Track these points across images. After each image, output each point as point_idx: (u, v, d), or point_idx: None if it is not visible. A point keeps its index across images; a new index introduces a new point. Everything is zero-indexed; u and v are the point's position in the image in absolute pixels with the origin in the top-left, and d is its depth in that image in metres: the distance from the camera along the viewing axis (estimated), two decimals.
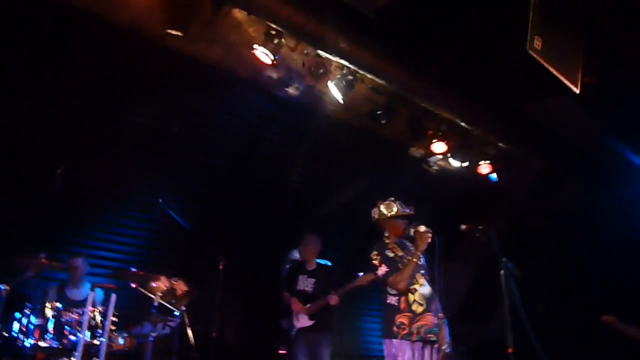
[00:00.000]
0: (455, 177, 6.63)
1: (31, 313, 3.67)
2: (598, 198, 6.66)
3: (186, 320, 4.38)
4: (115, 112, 5.12)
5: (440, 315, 3.57)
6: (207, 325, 5.04)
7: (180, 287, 4.40)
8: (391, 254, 3.64)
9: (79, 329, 3.67)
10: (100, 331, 3.75)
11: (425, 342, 3.44)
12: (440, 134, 5.82)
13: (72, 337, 3.69)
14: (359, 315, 7.54)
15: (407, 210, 3.73)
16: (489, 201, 7.00)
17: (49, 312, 3.70)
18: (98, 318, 3.81)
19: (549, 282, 6.58)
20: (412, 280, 3.51)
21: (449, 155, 6.13)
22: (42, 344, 3.62)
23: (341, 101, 5.03)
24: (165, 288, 4.25)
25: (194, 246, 5.69)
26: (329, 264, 5.24)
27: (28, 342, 3.60)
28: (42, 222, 4.89)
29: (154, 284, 4.23)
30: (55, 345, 3.64)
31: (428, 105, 5.44)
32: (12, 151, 4.68)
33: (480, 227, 3.92)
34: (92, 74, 4.75)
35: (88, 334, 3.67)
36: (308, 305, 4.80)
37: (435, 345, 3.47)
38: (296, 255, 6.15)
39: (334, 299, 4.73)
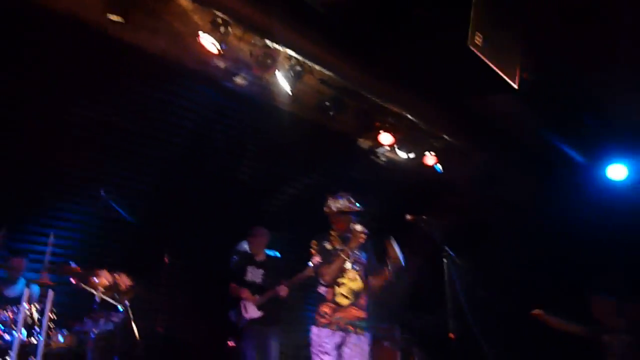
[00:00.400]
0: (403, 168, 6.78)
1: None
2: (540, 191, 6.98)
3: (131, 315, 4.27)
4: (55, 102, 4.90)
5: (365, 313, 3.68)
6: (152, 320, 4.95)
7: (124, 281, 4.30)
8: (329, 247, 3.75)
9: (15, 327, 3.51)
10: (37, 329, 3.61)
11: (346, 332, 3.56)
12: (387, 126, 5.93)
13: (7, 336, 3.53)
14: (309, 305, 7.61)
15: (352, 206, 3.78)
16: (435, 192, 7.20)
17: None
18: (35, 315, 3.66)
19: (490, 272, 6.86)
20: (340, 274, 3.62)
21: (396, 146, 6.25)
22: None
23: (289, 92, 5.01)
24: (107, 283, 4.14)
25: (138, 240, 5.55)
26: (278, 255, 5.25)
27: None
28: None
29: (95, 279, 4.10)
30: None
31: (375, 98, 5.51)
32: None
33: (424, 218, 4.04)
34: (31, 64, 4.54)
35: (24, 332, 3.52)
36: (257, 296, 4.80)
37: (357, 332, 3.57)
38: (245, 247, 6.13)
39: (283, 290, 4.76)
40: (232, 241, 6.07)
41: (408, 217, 3.98)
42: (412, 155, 6.39)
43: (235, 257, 5.76)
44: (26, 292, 3.51)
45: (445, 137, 6.26)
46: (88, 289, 4.06)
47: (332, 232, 3.83)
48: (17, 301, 3.95)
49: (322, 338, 3.54)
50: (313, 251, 3.80)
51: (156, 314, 5.05)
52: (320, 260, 3.71)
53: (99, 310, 4.00)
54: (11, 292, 4.22)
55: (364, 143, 6.53)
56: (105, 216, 4.98)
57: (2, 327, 3.53)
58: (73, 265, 4.07)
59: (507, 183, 7.06)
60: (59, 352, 3.90)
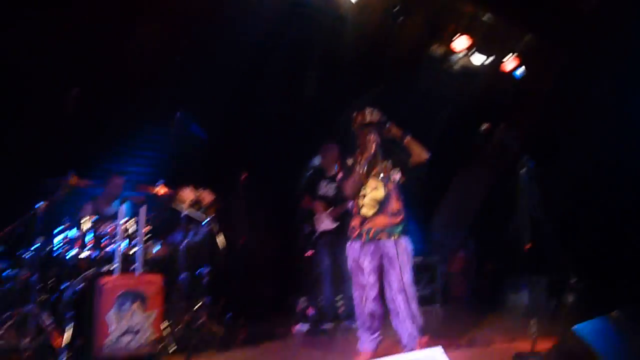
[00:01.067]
0: (478, 75, 6.42)
1: (70, 227, 3.91)
2: (627, 96, 6.39)
3: (214, 228, 4.60)
4: (126, 28, 5.01)
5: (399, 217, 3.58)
6: (234, 231, 5.31)
7: (207, 197, 4.57)
8: (350, 162, 3.73)
9: (115, 239, 3.91)
10: (135, 241, 3.99)
11: (378, 241, 3.51)
12: (462, 28, 5.55)
13: (109, 248, 3.95)
14: None
15: (372, 118, 3.60)
16: (514, 100, 6.81)
17: (85, 226, 3.93)
18: (132, 229, 4.02)
19: (570, 183, 6.55)
20: (359, 186, 3.60)
21: (471, 51, 5.88)
22: (82, 255, 3.89)
23: (353, 1, 4.79)
24: (192, 199, 4.43)
25: (217, 158, 5.81)
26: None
27: (70, 254, 3.87)
28: (69, 142, 5.03)
29: (181, 196, 4.40)
30: (94, 255, 3.91)
31: None
32: (28, 76, 4.70)
33: (501, 128, 3.88)
34: None
35: (124, 243, 3.91)
36: (331, 209, 4.94)
37: (392, 238, 3.49)
38: (317, 162, 6.25)
39: None
40: (305, 157, 6.21)
41: (483, 127, 3.84)
42: (489, 60, 6.01)
43: (308, 172, 5.94)
44: (122, 208, 3.86)
45: (527, 37, 5.78)
46: (176, 204, 4.40)
47: (358, 148, 3.74)
48: (115, 217, 4.38)
49: (354, 251, 3.55)
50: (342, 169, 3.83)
51: (237, 227, 5.40)
52: (342, 176, 3.76)
53: (186, 223, 4.33)
54: (110, 209, 4.66)
55: (437, 50, 6.19)
56: (185, 136, 5.24)
57: (105, 240, 3.94)
58: (161, 183, 4.38)
59: (592, 87, 6.51)
60: (155, 260, 4.33)
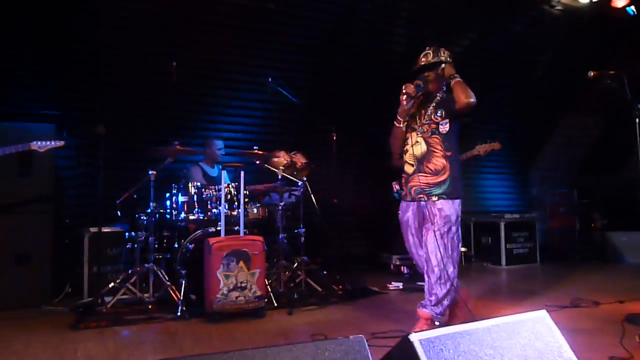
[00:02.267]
0: (584, 15, 5.86)
1: (178, 192, 4.24)
2: None
3: (309, 190, 4.74)
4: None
5: (439, 177, 3.13)
6: (327, 192, 5.43)
7: (300, 159, 4.70)
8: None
9: (218, 202, 4.18)
10: (236, 204, 4.24)
11: (418, 202, 3.20)
12: None
13: (214, 210, 4.24)
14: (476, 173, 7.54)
15: (426, 60, 3.21)
16: (625, 41, 6.16)
17: (191, 190, 4.24)
18: (233, 192, 4.27)
19: None
20: (401, 142, 3.28)
21: None
22: (191, 217, 4.22)
23: None
24: (285, 162, 4.57)
25: (308, 121, 5.92)
26: None
27: (180, 216, 4.22)
28: (170, 113, 5.39)
29: (275, 159, 4.57)
30: (201, 217, 4.23)
31: None
32: (135, 51, 5.04)
33: (611, 73, 3.55)
34: None
35: (227, 206, 4.17)
36: None
37: (431, 199, 3.12)
38: None
39: None
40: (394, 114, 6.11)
41: (591, 73, 3.53)
42: None
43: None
44: (223, 174, 4.10)
45: None
46: (271, 168, 4.58)
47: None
48: (216, 181, 4.66)
49: (402, 211, 3.31)
50: None
51: (330, 187, 5.52)
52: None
53: (282, 186, 4.51)
54: (212, 173, 4.97)
55: None
56: (276, 101, 5.39)
57: (210, 203, 4.24)
58: (256, 148, 4.57)
59: None
60: (255, 221, 4.59)
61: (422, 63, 3.22)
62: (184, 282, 3.94)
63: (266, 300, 3.89)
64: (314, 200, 4.75)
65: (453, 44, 6.56)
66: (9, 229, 4.19)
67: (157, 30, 4.99)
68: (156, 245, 4.21)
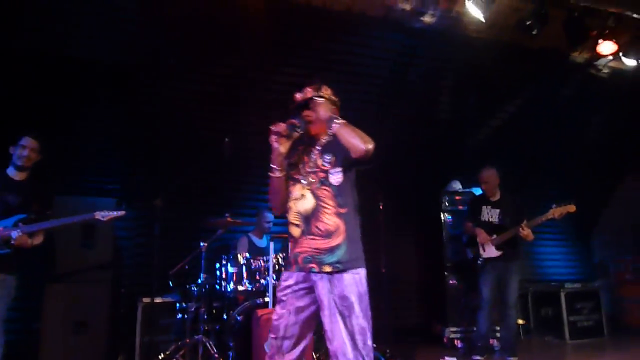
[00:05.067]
0: (632, 77, 5.78)
1: (227, 263, 4.34)
2: None
3: None
4: (263, 76, 5.50)
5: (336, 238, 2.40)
6: (376, 260, 5.37)
7: None
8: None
9: (267, 273, 4.23)
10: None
11: (307, 272, 2.41)
12: (606, 32, 5.07)
13: (262, 281, 4.28)
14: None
15: (300, 98, 2.64)
16: None
17: (240, 261, 4.33)
18: (280, 263, 4.32)
19: None
20: (280, 196, 2.55)
21: (620, 54, 5.34)
22: (240, 287, 4.27)
23: (483, 20, 4.67)
24: None
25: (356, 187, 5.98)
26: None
27: (229, 287, 4.28)
28: (222, 186, 5.63)
29: None
30: (250, 288, 4.27)
31: (586, 1, 4.75)
32: (190, 128, 5.39)
33: None
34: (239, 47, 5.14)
35: (274, 277, 4.20)
36: (494, 236, 4.77)
37: (326, 269, 2.36)
38: (454, 186, 6.11)
39: (525, 232, 4.59)
40: (441, 179, 6.12)
41: None
42: None
43: (445, 197, 5.90)
44: (271, 245, 4.18)
45: None
46: None
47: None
48: (264, 252, 4.74)
49: (280, 283, 2.50)
50: None
51: (378, 255, 5.46)
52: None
53: None
54: (260, 244, 5.07)
55: (579, 57, 5.73)
56: None
57: (258, 274, 4.30)
58: None
59: None
60: None
61: (298, 100, 2.63)
62: (232, 354, 3.94)
63: None
64: None
65: (499, 111, 6.61)
66: (70, 297, 4.40)
67: (212, 107, 5.35)
68: (206, 316, 4.26)
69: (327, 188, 2.46)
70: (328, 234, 2.40)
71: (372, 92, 6.05)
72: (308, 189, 2.49)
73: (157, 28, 4.84)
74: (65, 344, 4.29)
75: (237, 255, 4.34)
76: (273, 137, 2.46)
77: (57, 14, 4.62)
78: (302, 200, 2.49)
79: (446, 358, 4.76)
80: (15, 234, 3.15)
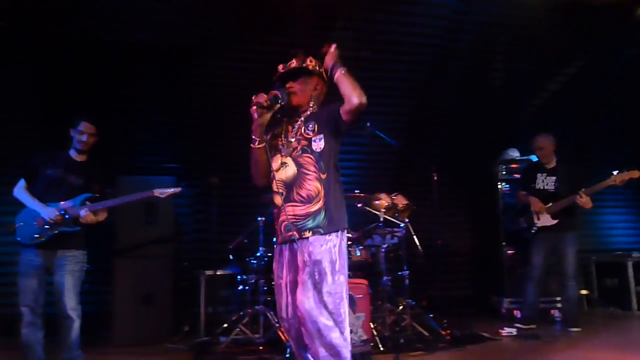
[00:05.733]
0: None
1: None
2: None
3: (411, 231, 4.70)
4: (312, 51, 5.45)
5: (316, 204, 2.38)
6: (430, 233, 5.34)
7: (401, 201, 4.70)
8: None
9: None
10: None
11: (290, 242, 2.41)
12: None
13: None
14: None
15: (293, 65, 2.64)
16: None
17: None
18: None
19: None
20: (261, 167, 2.52)
21: None
22: None
23: None
24: (387, 204, 4.60)
25: (406, 161, 5.93)
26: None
27: None
28: None
29: (376, 202, 4.61)
30: None
31: None
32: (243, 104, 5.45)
33: None
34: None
35: None
36: (550, 204, 4.63)
37: (306, 234, 2.35)
38: (511, 154, 5.93)
39: (583, 200, 4.42)
40: (495, 148, 5.95)
41: None
42: None
43: (502, 166, 5.73)
44: None
45: None
46: (372, 210, 4.63)
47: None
48: None
49: (274, 261, 2.54)
50: None
51: (432, 227, 5.42)
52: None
53: (384, 227, 4.52)
54: None
55: None
56: (374, 144, 5.49)
57: None
58: (357, 192, 4.67)
59: None
60: (358, 263, 4.62)
61: (281, 71, 2.64)
62: None
63: (372, 344, 3.85)
64: (416, 242, 4.69)
65: (557, 74, 6.30)
66: (136, 271, 4.64)
67: (265, 84, 5.38)
68: (265, 288, 4.39)
69: (309, 155, 2.45)
70: (309, 199, 2.39)
71: (421, 62, 5.91)
72: (290, 157, 2.48)
73: (205, 9, 4.89)
74: (135, 315, 4.55)
75: None
76: (253, 108, 2.44)
77: (109, 1, 4.76)
78: (284, 168, 2.48)
79: (505, 329, 4.70)
80: (83, 212, 3.33)
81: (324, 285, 2.27)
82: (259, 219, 4.38)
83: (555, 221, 4.61)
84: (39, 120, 5.12)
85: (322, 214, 2.37)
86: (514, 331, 4.65)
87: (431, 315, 4.59)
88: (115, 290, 4.61)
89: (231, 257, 4.75)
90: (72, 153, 3.52)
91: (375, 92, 5.80)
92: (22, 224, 3.34)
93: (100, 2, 4.76)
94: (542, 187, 4.76)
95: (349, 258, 4.32)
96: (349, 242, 4.36)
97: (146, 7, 4.90)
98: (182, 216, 5.54)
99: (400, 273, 4.62)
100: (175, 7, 4.94)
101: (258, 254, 4.41)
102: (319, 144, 2.45)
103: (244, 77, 5.44)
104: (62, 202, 3.36)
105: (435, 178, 4.92)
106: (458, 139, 6.14)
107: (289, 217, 2.38)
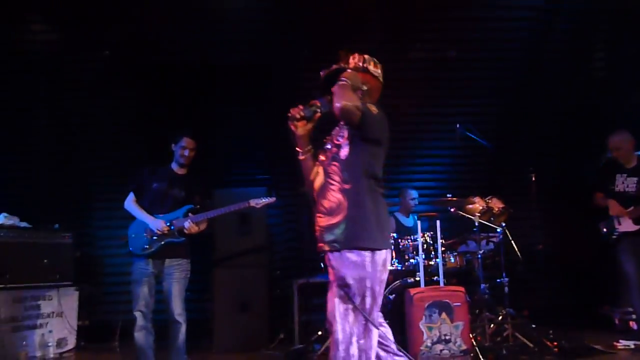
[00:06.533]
0: None
1: None
2: None
3: (509, 236, 4.47)
4: (399, 55, 5.43)
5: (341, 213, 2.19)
6: (529, 238, 5.04)
7: (496, 204, 4.47)
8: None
9: (415, 252, 4.20)
10: (433, 253, 4.20)
11: (323, 252, 2.26)
12: None
13: (411, 260, 4.26)
14: None
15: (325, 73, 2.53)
16: None
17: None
18: (429, 242, 4.26)
19: None
20: (308, 178, 2.40)
21: None
22: (389, 267, 4.30)
23: None
24: (481, 208, 4.40)
25: (500, 163, 5.66)
26: None
27: None
28: None
29: (470, 206, 4.43)
30: (399, 268, 4.29)
31: None
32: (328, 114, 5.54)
33: None
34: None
35: (423, 256, 4.16)
36: (631, 208, 4.23)
37: (326, 248, 2.20)
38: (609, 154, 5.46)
39: None
40: (596, 146, 5.51)
41: None
42: None
43: (601, 164, 5.27)
44: (419, 223, 4.14)
45: None
46: (466, 215, 4.45)
47: None
48: (411, 231, 4.71)
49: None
50: None
51: (532, 231, 5.12)
52: None
53: (479, 232, 4.33)
54: (407, 223, 5.05)
55: None
56: (466, 147, 5.30)
57: (407, 253, 4.29)
58: (450, 196, 4.51)
59: None
60: (453, 270, 4.47)
61: (322, 76, 2.50)
62: None
63: (472, 354, 3.70)
64: (515, 247, 4.44)
65: None
66: (233, 280, 4.82)
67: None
68: None
69: (335, 163, 2.29)
70: (330, 212, 2.22)
71: (513, 59, 5.65)
72: (321, 167, 2.38)
73: (285, 24, 5.04)
74: (234, 322, 4.72)
75: None
76: (289, 122, 2.34)
77: (197, 27, 5.05)
78: (318, 177, 2.37)
79: (621, 341, 4.30)
80: (187, 224, 3.51)
81: (349, 300, 2.13)
82: None
83: (638, 227, 4.18)
84: (143, 139, 5.51)
85: (341, 228, 2.18)
86: (631, 344, 4.24)
87: (534, 326, 4.31)
88: (215, 299, 4.81)
89: (322, 265, 4.78)
90: (174, 167, 3.72)
91: (465, 92, 5.66)
92: (133, 235, 3.58)
93: (194, 29, 5.07)
94: (622, 189, 4.34)
95: (444, 265, 4.20)
96: (443, 249, 4.23)
97: (234, 29, 5.14)
98: (273, 226, 5.68)
99: (498, 281, 4.38)
100: (266, 25, 5.12)
101: None
102: (344, 151, 2.28)
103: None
104: (167, 214, 3.57)
105: (534, 178, 4.63)
106: (557, 137, 5.78)
107: (317, 228, 2.27)
